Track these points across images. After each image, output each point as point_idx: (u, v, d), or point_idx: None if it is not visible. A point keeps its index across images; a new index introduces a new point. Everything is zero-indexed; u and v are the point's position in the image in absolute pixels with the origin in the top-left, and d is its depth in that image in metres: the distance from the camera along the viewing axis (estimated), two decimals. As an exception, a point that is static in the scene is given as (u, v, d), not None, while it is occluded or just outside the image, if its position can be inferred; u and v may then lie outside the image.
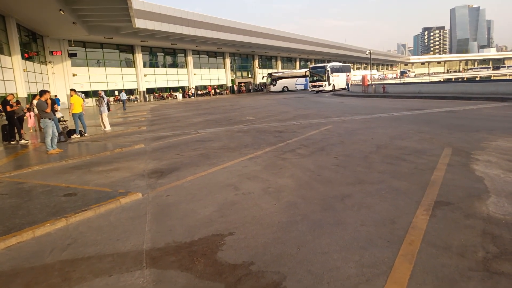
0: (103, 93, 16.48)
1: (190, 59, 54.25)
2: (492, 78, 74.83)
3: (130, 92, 47.42)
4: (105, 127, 15.27)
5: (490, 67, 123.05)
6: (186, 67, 54.47)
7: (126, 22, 33.03)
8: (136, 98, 47.23)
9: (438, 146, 7.50)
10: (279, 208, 4.50)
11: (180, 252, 3.46)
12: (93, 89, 41.14)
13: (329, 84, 41.57)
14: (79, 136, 13.22)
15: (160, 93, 50.75)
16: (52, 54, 35.37)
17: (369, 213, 4.10)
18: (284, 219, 4.11)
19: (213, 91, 57.57)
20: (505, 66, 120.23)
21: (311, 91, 42.72)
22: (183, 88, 54.25)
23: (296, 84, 52.73)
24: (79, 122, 13.40)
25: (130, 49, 46.45)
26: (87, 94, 40.31)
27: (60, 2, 23.47)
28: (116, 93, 45.41)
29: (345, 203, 4.49)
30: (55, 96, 32.70)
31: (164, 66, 52.32)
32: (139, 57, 47.01)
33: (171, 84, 52.74)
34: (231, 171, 6.62)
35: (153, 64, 50.51)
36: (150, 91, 49.58)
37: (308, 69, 45.07)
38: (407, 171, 5.80)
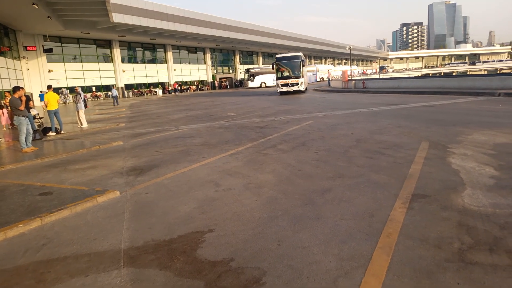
0: (80, 89, 16.07)
1: (170, 55, 53.60)
2: (468, 73, 76.86)
3: (107, 88, 46.50)
4: (82, 124, 14.91)
5: (466, 63, 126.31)
6: (166, 63, 53.81)
7: (103, 17, 32.34)
8: (114, 94, 46.31)
9: (416, 140, 7.64)
10: (259, 203, 4.48)
11: (159, 250, 3.40)
12: (70, 85, 40.15)
13: (303, 83, 29.38)
14: (55, 133, 12.88)
15: (139, 89, 49.95)
16: (26, 50, 34.25)
17: (349, 207, 4.14)
18: (265, 215, 4.10)
19: (195, 88, 57.08)
20: (480, 62, 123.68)
21: (280, 92, 29.40)
22: (163, 84, 53.56)
23: (274, 79, 52.55)
24: (54, 119, 13.03)
25: (108, 44, 45.51)
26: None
27: (34, -5, 22.73)
28: (94, 89, 44.55)
29: (325, 198, 4.51)
30: (40, 91, 31.86)
31: (143, 61, 51.53)
32: (117, 52, 46.10)
33: (150, 80, 51.99)
34: (211, 167, 6.56)
35: (131, 59, 49.63)
36: (128, 87, 48.74)
37: (274, 62, 30.22)
38: (385, 164, 5.88)
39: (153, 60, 52.80)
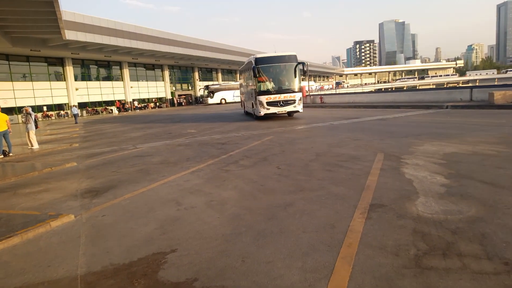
0: (30, 109, 15.27)
1: (126, 72, 52.44)
2: (418, 88, 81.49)
3: (60, 107, 44.59)
4: (32, 146, 14.13)
5: (416, 77, 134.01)
6: (122, 80, 52.53)
7: (55, 34, 31.16)
8: (67, 113, 44.40)
9: (372, 152, 7.95)
10: (223, 220, 4.45)
11: (118, 275, 3.27)
12: (19, 105, 38.02)
13: (300, 99, 18.31)
14: (2, 156, 12.09)
15: (93, 108, 48.29)
16: (-31, 68, 32.20)
17: (311, 220, 4.21)
18: (228, 232, 4.07)
19: (153, 105, 56.12)
20: (429, 76, 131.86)
21: (264, 115, 18.23)
22: (119, 102, 52.14)
23: (233, 96, 52.92)
24: (3, 141, 12.26)
25: (60, 62, 43.81)
26: (12, 110, 36.98)
27: (-22, 11, 21.55)
28: (45, 108, 42.59)
29: (287, 211, 4.56)
30: None
31: (97, 79, 49.98)
32: (69, 70, 44.45)
33: (105, 98, 50.43)
34: (172, 186, 6.44)
35: (85, 77, 48.03)
36: (82, 105, 46.88)
37: (252, 66, 18.07)
38: (344, 177, 6.06)
39: (109, 78, 51.38)
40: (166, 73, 60.28)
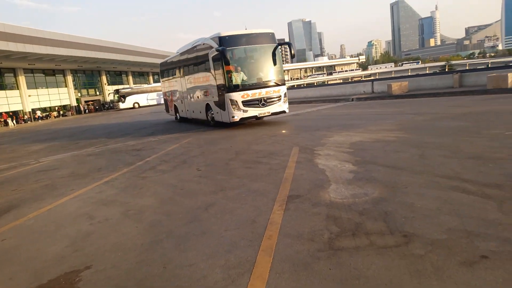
0: None
1: (22, 79, 47.14)
2: (327, 83, 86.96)
3: None
4: None
5: (324, 73, 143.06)
6: (18, 88, 47.15)
7: None
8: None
9: (288, 147, 8.29)
10: (141, 229, 4.26)
11: (24, 303, 2.94)
12: None
13: (286, 94, 13.39)
14: None
15: (-16, 122, 42.60)
16: None
17: (232, 218, 4.25)
18: (148, 240, 3.91)
19: (57, 114, 51.44)
20: (336, 72, 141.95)
21: (240, 120, 12.63)
22: (15, 113, 46.69)
23: (147, 99, 51.07)
24: None
25: None
26: None
27: None
28: None
29: (209, 212, 4.54)
30: None
31: (-13, 89, 44.20)
32: (-49, 80, 38.66)
33: (-1, 110, 44.82)
34: (83, 199, 5.98)
35: (-28, 88, 42.12)
36: (-30, 120, 41.14)
37: (215, 50, 12.49)
38: (263, 172, 6.23)
39: (1, 87, 45.71)
40: (69, 78, 55.42)
